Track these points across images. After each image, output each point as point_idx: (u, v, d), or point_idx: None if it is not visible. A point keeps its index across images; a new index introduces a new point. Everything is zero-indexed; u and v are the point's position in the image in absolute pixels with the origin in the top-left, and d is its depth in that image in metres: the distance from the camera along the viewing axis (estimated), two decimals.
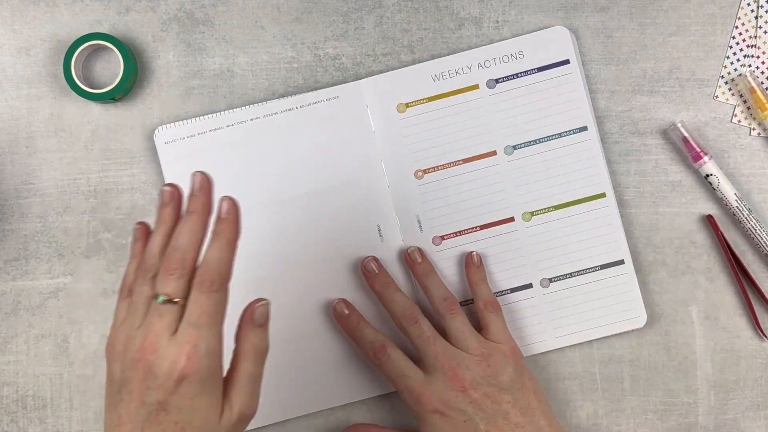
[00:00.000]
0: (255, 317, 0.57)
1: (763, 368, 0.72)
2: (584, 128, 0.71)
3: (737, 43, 0.73)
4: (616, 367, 0.72)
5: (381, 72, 0.73)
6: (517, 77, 0.72)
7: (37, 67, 0.73)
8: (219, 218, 0.55)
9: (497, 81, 0.72)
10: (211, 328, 0.54)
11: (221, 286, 0.54)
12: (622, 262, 0.71)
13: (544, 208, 0.71)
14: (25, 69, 0.73)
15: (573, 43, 0.72)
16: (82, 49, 0.71)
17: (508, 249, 0.71)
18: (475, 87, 0.72)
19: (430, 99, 0.72)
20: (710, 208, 0.72)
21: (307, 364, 0.70)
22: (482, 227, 0.71)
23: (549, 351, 0.71)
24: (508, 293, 0.71)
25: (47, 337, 0.72)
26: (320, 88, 0.73)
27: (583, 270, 0.71)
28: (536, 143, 0.71)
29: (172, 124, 0.71)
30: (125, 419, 0.53)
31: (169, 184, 0.56)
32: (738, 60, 0.72)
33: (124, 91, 0.71)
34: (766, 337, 0.72)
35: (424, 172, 0.72)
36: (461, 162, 0.71)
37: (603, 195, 0.71)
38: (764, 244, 0.71)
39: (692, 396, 0.71)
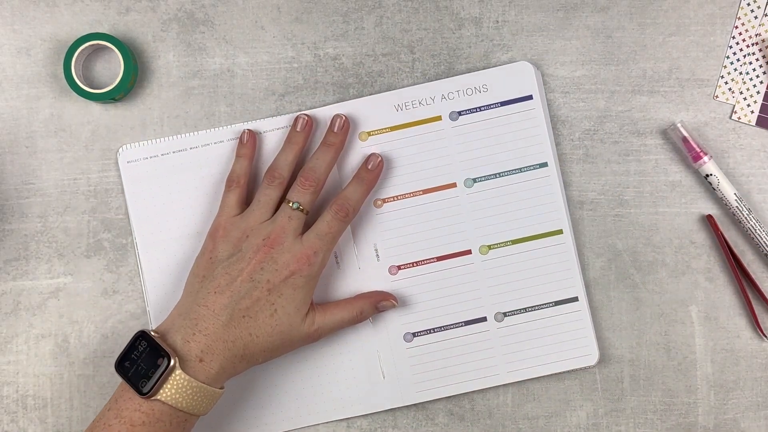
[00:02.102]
0: (380, 303, 0.69)
1: (763, 368, 0.72)
2: (544, 164, 0.71)
3: (737, 43, 0.73)
4: (615, 366, 0.72)
5: (381, 72, 0.73)
6: (480, 110, 0.72)
7: (37, 67, 0.73)
8: (367, 168, 0.69)
9: (460, 113, 0.72)
10: (330, 245, 0.66)
11: (349, 217, 0.67)
12: (576, 299, 0.71)
13: (502, 242, 0.71)
14: (25, 69, 0.73)
15: (537, 78, 0.72)
16: (83, 49, 0.71)
17: (464, 282, 0.71)
18: (438, 118, 0.72)
19: (393, 128, 0.72)
20: (710, 208, 0.72)
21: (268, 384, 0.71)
22: (439, 258, 0.71)
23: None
24: (462, 326, 0.71)
25: (47, 337, 0.72)
26: (320, 88, 0.73)
27: (537, 305, 0.71)
28: (496, 177, 0.71)
29: (137, 143, 0.72)
30: (225, 289, 0.63)
31: (306, 115, 0.70)
32: (738, 60, 0.72)
33: (124, 91, 0.71)
34: (765, 337, 0.72)
35: (384, 201, 0.72)
36: (421, 192, 0.72)
37: (560, 232, 0.71)
38: (764, 244, 0.71)
39: (692, 396, 0.71)
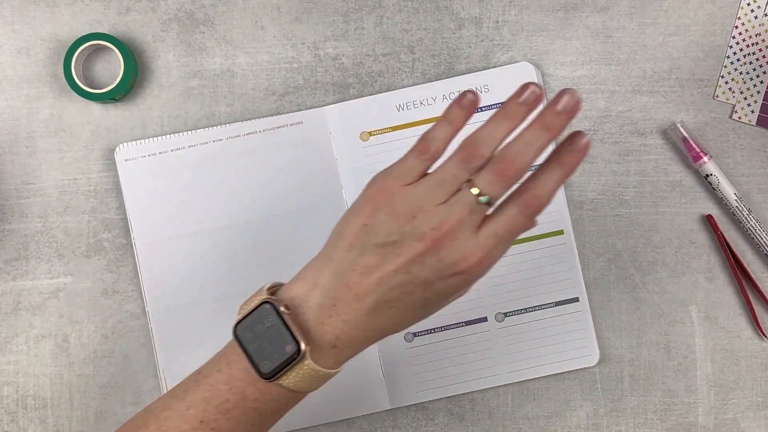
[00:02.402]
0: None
1: (763, 368, 0.72)
2: None
3: (737, 43, 0.73)
4: (615, 366, 0.72)
5: (381, 73, 0.73)
6: (482, 111, 0.72)
7: (37, 67, 0.73)
8: (570, 151, 0.52)
9: None
10: (507, 245, 0.53)
11: (535, 215, 0.52)
12: (576, 299, 0.71)
13: None
14: (25, 69, 0.73)
15: (538, 78, 0.72)
16: (83, 49, 0.71)
17: None
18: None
19: (394, 128, 0.72)
20: (710, 208, 0.72)
21: None
22: None
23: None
24: (463, 326, 0.71)
25: (47, 337, 0.72)
26: (320, 88, 0.73)
27: (538, 306, 0.71)
28: None
29: (134, 142, 0.72)
30: (374, 271, 0.52)
31: (535, 84, 0.52)
32: (738, 60, 0.72)
33: (124, 91, 0.71)
34: (765, 336, 0.72)
35: None
36: None
37: (561, 232, 0.71)
38: (764, 244, 0.71)
39: (692, 396, 0.71)
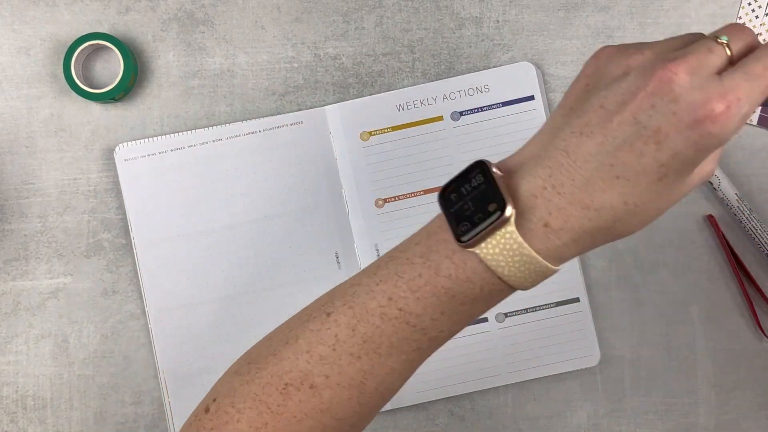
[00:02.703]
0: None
1: (764, 368, 0.71)
2: None
3: None
4: (616, 367, 0.72)
5: (381, 72, 0.73)
6: (482, 111, 0.72)
7: (36, 67, 0.73)
8: None
9: (461, 113, 0.72)
10: (760, 99, 0.44)
11: None
12: (577, 299, 0.71)
13: None
14: (25, 69, 0.73)
15: (539, 79, 0.72)
16: (82, 49, 0.71)
17: None
18: (440, 118, 0.72)
19: (394, 128, 0.72)
20: (711, 208, 0.72)
21: None
22: None
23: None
24: None
25: (47, 337, 0.72)
26: (320, 88, 0.73)
27: (538, 306, 0.71)
28: None
29: (134, 142, 0.72)
30: (595, 129, 0.44)
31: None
32: None
33: (124, 91, 0.71)
34: (766, 337, 0.71)
35: (385, 201, 0.72)
36: (422, 192, 0.72)
37: None
38: (765, 244, 0.71)
39: (693, 396, 0.71)
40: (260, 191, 0.72)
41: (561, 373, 0.71)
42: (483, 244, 0.45)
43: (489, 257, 0.45)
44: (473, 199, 0.46)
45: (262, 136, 0.72)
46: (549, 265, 0.45)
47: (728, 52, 0.44)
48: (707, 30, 0.72)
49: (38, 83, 0.73)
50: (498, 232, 0.45)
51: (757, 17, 0.72)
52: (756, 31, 0.72)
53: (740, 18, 0.73)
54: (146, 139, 0.72)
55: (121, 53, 0.70)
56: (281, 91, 0.73)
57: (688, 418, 0.71)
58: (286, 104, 0.73)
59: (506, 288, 0.47)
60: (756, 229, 0.70)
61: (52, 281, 0.72)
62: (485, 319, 0.71)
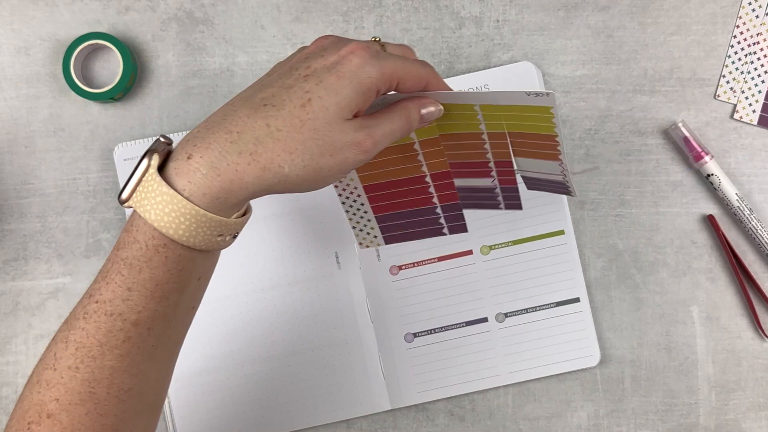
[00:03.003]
0: (425, 110, 0.53)
1: (765, 368, 0.71)
2: None
3: (738, 43, 0.72)
4: (616, 367, 0.72)
5: None
6: None
7: (36, 67, 0.73)
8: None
9: None
10: (400, 68, 0.50)
11: (424, 69, 0.52)
12: (577, 299, 0.71)
13: (503, 243, 0.71)
14: (25, 69, 0.73)
15: (539, 78, 0.71)
16: (82, 49, 0.71)
17: (465, 282, 0.71)
18: None
19: None
20: (711, 208, 0.72)
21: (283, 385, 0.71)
22: (440, 259, 0.71)
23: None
24: (463, 326, 0.71)
25: (47, 338, 0.72)
26: None
27: (538, 306, 0.71)
28: None
29: (133, 142, 0.71)
30: (255, 84, 0.49)
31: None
32: (739, 59, 0.72)
33: (123, 91, 0.71)
34: (767, 337, 0.71)
35: None
36: None
37: (561, 232, 0.71)
38: (765, 244, 0.70)
39: (693, 396, 0.71)
40: None
41: (561, 373, 0.71)
42: (134, 195, 0.46)
43: (138, 205, 0.45)
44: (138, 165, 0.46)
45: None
46: (193, 205, 0.45)
47: (382, 45, 0.51)
48: (707, 30, 0.72)
49: (37, 83, 0.73)
50: (144, 178, 0.45)
51: (757, 17, 0.72)
52: (756, 30, 0.72)
53: (740, 17, 0.72)
54: (145, 139, 0.72)
55: (120, 53, 0.70)
56: None
57: (689, 419, 0.71)
58: None
59: (170, 242, 0.46)
60: (756, 229, 0.70)
61: (52, 281, 0.72)
62: (485, 319, 0.71)
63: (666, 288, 0.72)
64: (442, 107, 0.54)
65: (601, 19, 0.73)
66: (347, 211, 0.67)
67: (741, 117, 0.72)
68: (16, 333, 0.72)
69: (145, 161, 0.46)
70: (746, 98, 0.72)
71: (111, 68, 0.73)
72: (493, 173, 0.62)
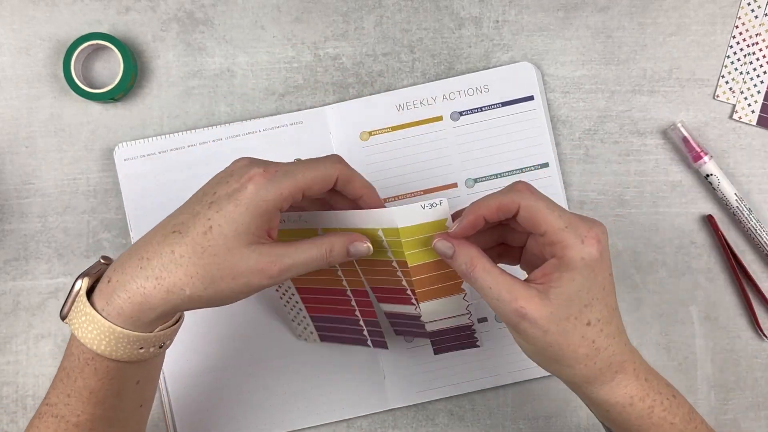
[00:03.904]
0: (353, 243, 0.55)
1: (764, 368, 0.72)
2: (545, 165, 0.71)
3: (737, 43, 0.72)
4: None
5: (381, 72, 0.73)
6: (482, 111, 0.72)
7: (36, 67, 0.73)
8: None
9: (461, 113, 0.72)
10: (296, 185, 0.52)
11: (328, 169, 0.55)
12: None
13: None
14: (25, 69, 0.73)
15: (538, 79, 0.72)
16: (82, 49, 0.71)
17: (465, 282, 0.70)
18: (439, 118, 0.72)
19: (394, 128, 0.72)
20: (710, 208, 0.72)
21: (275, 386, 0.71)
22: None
23: None
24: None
25: (47, 337, 0.72)
26: (320, 88, 0.73)
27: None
28: (497, 177, 0.71)
29: (133, 142, 0.71)
30: (171, 213, 0.53)
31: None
32: (738, 60, 0.72)
33: (123, 91, 0.71)
34: (766, 337, 0.72)
35: (385, 201, 0.71)
36: (422, 193, 0.72)
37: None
38: (764, 244, 0.71)
39: (692, 396, 0.71)
40: None
41: None
42: (70, 313, 0.52)
43: (70, 322, 0.52)
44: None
45: (262, 136, 0.72)
46: (111, 324, 0.51)
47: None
48: (706, 30, 0.72)
49: (38, 83, 0.73)
50: (76, 301, 0.52)
51: (756, 17, 0.72)
52: (755, 31, 0.72)
53: (740, 18, 0.73)
54: (146, 139, 0.72)
55: (120, 53, 0.70)
56: (281, 91, 0.73)
57: None
58: (286, 104, 0.73)
59: (97, 356, 0.52)
60: (755, 229, 0.71)
61: (52, 281, 0.72)
62: (485, 319, 0.71)
63: (665, 288, 0.72)
64: (370, 246, 0.56)
65: (601, 20, 0.73)
66: (285, 306, 0.68)
67: (740, 117, 0.72)
68: (17, 333, 0.72)
69: (79, 283, 0.52)
70: (745, 98, 0.72)
71: (111, 68, 0.73)
72: (414, 301, 0.60)
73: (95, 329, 0.51)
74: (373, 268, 0.60)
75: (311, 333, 0.69)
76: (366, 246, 0.55)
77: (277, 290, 0.68)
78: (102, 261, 0.54)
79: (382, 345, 0.67)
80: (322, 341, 0.70)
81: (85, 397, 0.53)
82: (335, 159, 0.56)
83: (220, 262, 0.51)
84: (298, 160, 0.56)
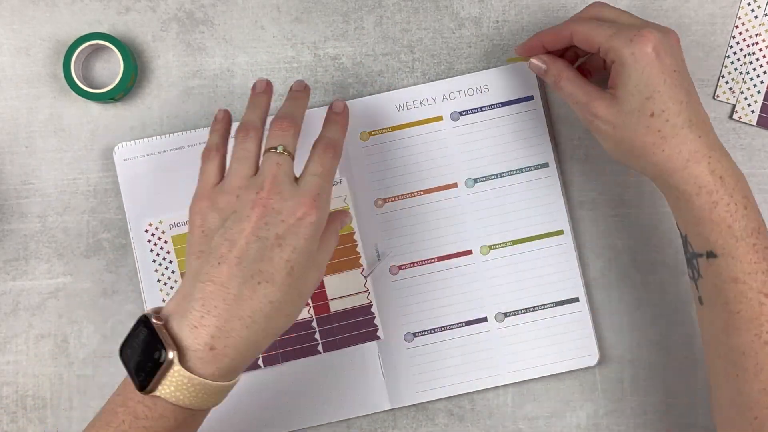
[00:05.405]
0: (342, 222, 0.64)
1: None
2: (545, 165, 0.71)
3: (737, 43, 0.72)
4: (616, 367, 0.72)
5: (381, 72, 0.73)
6: (481, 111, 0.72)
7: (36, 67, 0.73)
8: (334, 112, 0.65)
9: (461, 113, 0.72)
10: (329, 183, 0.59)
11: (337, 152, 0.61)
12: (576, 299, 0.71)
13: (502, 243, 0.71)
14: (25, 69, 0.73)
15: (538, 79, 0.72)
16: (82, 49, 0.71)
17: (465, 282, 0.71)
18: (439, 118, 0.72)
19: (394, 128, 0.72)
20: None
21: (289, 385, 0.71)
22: (440, 258, 0.71)
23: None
24: (463, 326, 0.71)
25: (47, 337, 0.72)
26: (320, 88, 0.73)
27: (538, 306, 0.71)
28: (497, 177, 0.71)
29: (133, 141, 0.71)
30: (228, 256, 0.55)
31: (266, 80, 0.64)
32: (738, 60, 0.72)
33: (124, 91, 0.71)
34: None
35: (384, 201, 0.71)
36: (422, 193, 0.72)
37: (561, 232, 0.71)
38: None
39: (692, 396, 0.71)
40: None
41: (560, 373, 0.71)
42: (160, 387, 0.53)
43: (169, 396, 0.53)
44: (143, 351, 0.53)
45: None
46: (221, 384, 0.54)
47: (289, 153, 0.58)
48: (706, 30, 0.72)
49: (38, 83, 0.73)
50: (168, 373, 0.53)
51: (756, 17, 0.72)
52: (755, 31, 0.72)
53: (739, 18, 0.73)
54: (145, 139, 0.72)
55: (120, 53, 0.70)
56: (281, 91, 0.73)
57: (688, 419, 0.71)
58: None
59: (198, 411, 0.55)
60: None
61: (52, 281, 0.72)
62: (485, 319, 0.71)
63: (665, 288, 0.72)
64: (351, 216, 0.68)
65: None
66: None
67: (740, 117, 0.72)
68: (17, 333, 0.72)
69: (170, 355, 0.52)
70: (745, 98, 0.72)
71: (111, 68, 0.73)
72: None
73: (204, 393, 0.54)
74: None
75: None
76: (348, 218, 0.66)
77: None
78: (156, 323, 0.54)
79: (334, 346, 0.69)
80: (265, 366, 0.70)
81: None
82: (337, 120, 0.65)
83: (303, 293, 0.57)
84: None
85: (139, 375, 0.54)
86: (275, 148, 0.58)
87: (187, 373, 0.53)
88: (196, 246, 0.57)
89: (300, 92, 0.64)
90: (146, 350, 0.53)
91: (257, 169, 0.58)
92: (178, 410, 0.54)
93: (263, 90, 0.64)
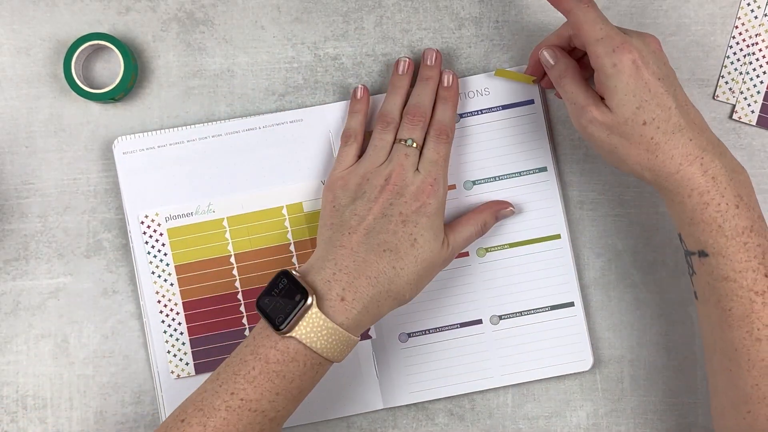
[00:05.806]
0: (499, 212, 0.70)
1: None
2: (544, 169, 0.71)
3: (737, 43, 0.72)
4: (616, 367, 0.72)
5: (381, 72, 0.73)
6: (482, 113, 0.72)
7: (36, 67, 0.73)
8: (444, 87, 0.69)
9: (461, 116, 0.72)
10: (445, 169, 0.67)
11: (450, 137, 0.67)
12: (572, 304, 0.71)
13: (499, 245, 0.71)
14: (25, 69, 0.73)
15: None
16: (83, 49, 0.71)
17: (461, 283, 0.71)
18: None
19: None
20: None
21: None
22: None
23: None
24: (457, 328, 0.71)
25: (47, 337, 0.72)
26: (320, 88, 0.73)
27: (533, 309, 0.71)
28: (495, 180, 0.71)
29: (133, 135, 0.71)
30: (357, 227, 0.63)
31: (407, 58, 0.70)
32: (738, 60, 0.72)
33: (124, 91, 0.71)
34: None
35: None
36: None
37: (558, 236, 0.71)
38: None
39: (692, 396, 0.71)
40: (256, 188, 0.71)
41: (560, 373, 0.71)
42: (297, 328, 0.59)
43: (304, 336, 0.58)
44: (283, 297, 0.60)
45: (262, 132, 0.72)
46: (350, 334, 0.60)
47: (416, 146, 0.66)
48: (706, 31, 0.72)
49: (38, 83, 0.73)
50: (306, 315, 0.59)
51: (756, 17, 0.72)
52: (755, 31, 0.72)
53: (739, 18, 0.73)
54: (145, 133, 0.72)
55: (121, 53, 0.71)
56: (281, 91, 0.73)
57: (687, 419, 0.71)
58: (286, 104, 0.73)
59: (324, 361, 0.60)
60: None
61: (52, 281, 0.72)
62: (479, 321, 0.71)
63: (665, 288, 0.72)
64: (514, 209, 0.71)
65: None
66: (164, 333, 0.70)
67: (740, 117, 0.72)
68: (17, 333, 0.72)
69: (309, 300, 0.59)
70: (745, 98, 0.72)
71: (112, 69, 0.73)
72: None
73: (336, 341, 0.59)
74: (270, 259, 0.70)
75: (186, 364, 0.70)
76: (510, 209, 0.70)
77: (162, 321, 0.70)
78: (296, 274, 0.61)
79: None
80: (197, 373, 0.70)
81: (294, 395, 0.60)
82: (450, 97, 0.70)
83: (428, 266, 0.64)
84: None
85: (278, 317, 0.59)
86: (405, 141, 0.66)
87: (323, 316, 0.59)
88: (327, 219, 0.65)
89: (430, 78, 0.69)
90: (286, 297, 0.59)
91: (388, 155, 0.66)
92: (309, 355, 0.59)
93: (405, 71, 0.70)
